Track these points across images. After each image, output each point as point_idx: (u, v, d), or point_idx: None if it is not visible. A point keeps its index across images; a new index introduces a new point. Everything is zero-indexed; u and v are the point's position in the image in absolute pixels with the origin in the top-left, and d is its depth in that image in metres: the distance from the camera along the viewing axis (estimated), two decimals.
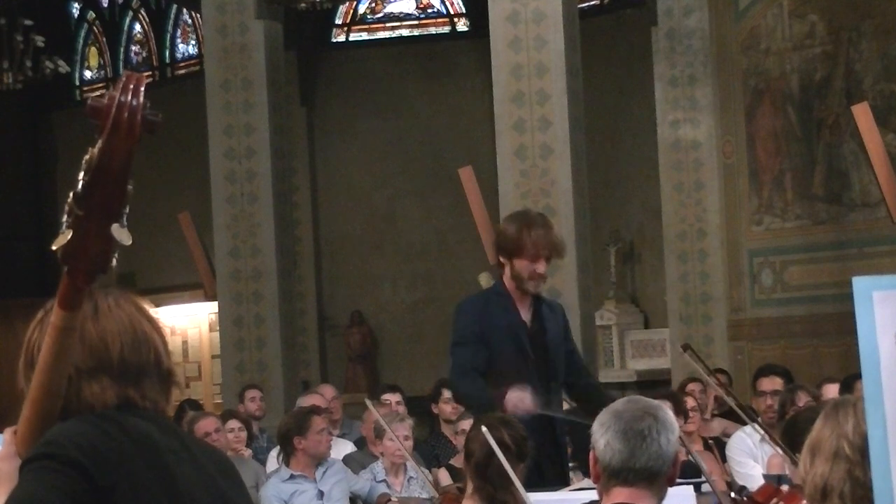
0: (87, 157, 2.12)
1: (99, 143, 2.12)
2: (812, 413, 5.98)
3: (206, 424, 8.83)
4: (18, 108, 20.32)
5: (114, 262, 2.20)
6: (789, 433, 6.02)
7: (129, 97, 2.12)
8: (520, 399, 5.97)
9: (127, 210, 2.15)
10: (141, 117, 2.13)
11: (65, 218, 2.15)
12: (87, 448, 2.33)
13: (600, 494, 3.44)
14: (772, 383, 8.59)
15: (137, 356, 2.47)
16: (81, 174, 2.13)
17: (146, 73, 19.89)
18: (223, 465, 2.57)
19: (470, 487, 5.41)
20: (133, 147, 2.13)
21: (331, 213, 18.91)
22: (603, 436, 3.41)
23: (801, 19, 14.51)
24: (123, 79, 2.15)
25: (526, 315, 6.35)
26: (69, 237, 2.15)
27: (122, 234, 2.15)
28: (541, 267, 6.25)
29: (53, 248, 2.16)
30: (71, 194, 2.14)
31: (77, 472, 2.30)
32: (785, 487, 5.94)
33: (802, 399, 7.93)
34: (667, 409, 3.51)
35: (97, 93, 20.92)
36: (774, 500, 5.61)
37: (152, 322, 2.52)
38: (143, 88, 2.13)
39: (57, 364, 2.33)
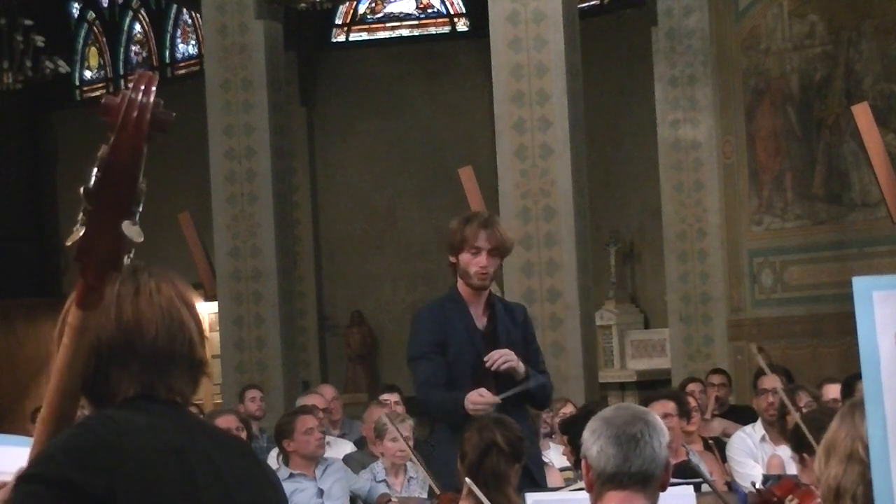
0: (100, 153, 2.14)
1: (110, 140, 2.14)
2: (817, 415, 6.01)
3: (224, 422, 8.89)
4: (18, 108, 20.31)
5: (127, 259, 2.20)
6: (793, 436, 6.04)
7: (140, 95, 2.15)
8: (478, 395, 5.98)
9: (139, 208, 2.16)
10: (150, 115, 2.15)
11: (80, 215, 2.16)
12: (79, 460, 2.29)
13: (594, 502, 3.43)
14: (772, 382, 8.59)
15: (171, 344, 2.43)
16: (95, 170, 2.15)
17: None
18: (243, 452, 2.53)
19: (465, 488, 5.41)
20: (142, 144, 2.15)
21: (331, 213, 18.91)
22: (595, 442, 3.39)
23: (801, 19, 14.51)
24: (136, 77, 2.18)
25: (481, 320, 6.25)
26: (82, 233, 2.16)
27: (132, 232, 2.15)
28: (483, 260, 6.15)
29: (67, 244, 2.17)
30: (82, 189, 2.15)
31: (65, 490, 2.27)
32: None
33: (802, 399, 7.94)
34: (655, 415, 3.52)
35: (97, 93, 21.04)
36: (791, 496, 5.62)
37: (191, 309, 2.48)
38: (154, 87, 2.16)
39: (73, 365, 2.31)
